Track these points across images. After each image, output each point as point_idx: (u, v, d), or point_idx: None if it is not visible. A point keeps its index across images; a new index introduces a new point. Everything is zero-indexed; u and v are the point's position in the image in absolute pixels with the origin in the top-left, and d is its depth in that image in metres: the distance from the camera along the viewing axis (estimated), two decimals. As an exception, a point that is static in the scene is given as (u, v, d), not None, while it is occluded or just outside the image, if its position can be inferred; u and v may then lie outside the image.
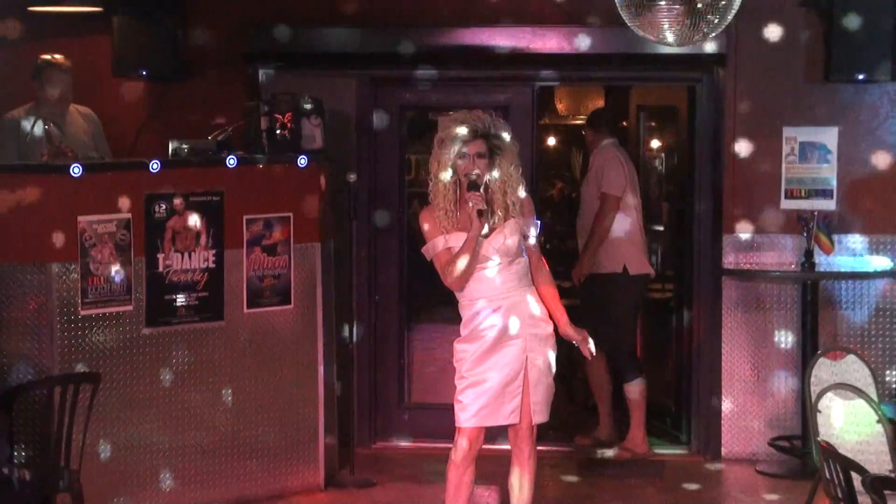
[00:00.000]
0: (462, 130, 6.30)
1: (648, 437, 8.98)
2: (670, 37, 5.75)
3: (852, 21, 8.29)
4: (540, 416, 6.36)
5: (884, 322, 8.64)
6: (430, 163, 6.43)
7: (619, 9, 5.92)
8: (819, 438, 5.74)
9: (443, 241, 6.34)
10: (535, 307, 6.36)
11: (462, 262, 6.23)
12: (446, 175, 6.32)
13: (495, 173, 6.30)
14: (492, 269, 6.30)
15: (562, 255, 10.54)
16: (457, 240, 6.29)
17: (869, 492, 4.47)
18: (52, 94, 8.06)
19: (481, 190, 6.22)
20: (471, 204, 6.20)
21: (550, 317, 6.43)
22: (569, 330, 6.45)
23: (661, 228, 10.34)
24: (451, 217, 6.33)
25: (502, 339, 6.29)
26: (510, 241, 6.30)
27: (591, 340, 6.42)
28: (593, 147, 9.28)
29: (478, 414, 6.29)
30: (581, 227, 9.20)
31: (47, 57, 8.10)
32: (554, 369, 6.39)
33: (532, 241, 6.42)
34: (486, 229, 6.23)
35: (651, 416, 9.24)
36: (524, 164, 6.60)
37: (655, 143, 10.77)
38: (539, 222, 6.49)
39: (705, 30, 5.69)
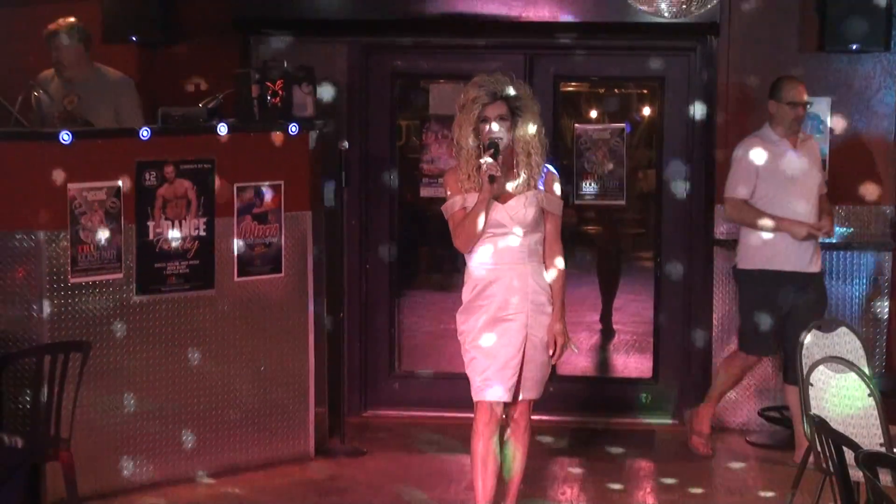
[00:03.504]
0: (482, 94, 6.23)
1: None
2: (665, 9, 5.72)
3: (847, -10, 8.26)
4: (530, 392, 6.34)
5: (876, 293, 8.63)
6: (453, 128, 6.34)
7: (615, -20, 5.89)
8: (811, 412, 5.74)
9: (461, 201, 6.27)
10: (541, 283, 6.30)
11: (469, 225, 6.18)
12: (469, 139, 6.24)
13: (519, 133, 6.24)
14: (506, 237, 6.24)
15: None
16: (475, 200, 6.21)
17: (861, 468, 4.46)
18: (54, 60, 8.05)
19: (500, 155, 6.14)
20: (483, 167, 6.13)
21: None
22: (557, 327, 6.30)
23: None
24: (474, 181, 6.23)
25: (503, 312, 6.24)
26: (528, 212, 6.23)
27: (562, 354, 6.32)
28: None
29: (486, 387, 6.25)
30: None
31: (54, 24, 8.03)
32: (551, 350, 6.32)
33: (553, 217, 6.33)
34: (505, 188, 6.18)
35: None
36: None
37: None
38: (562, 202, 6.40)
39: (699, 3, 5.65)
